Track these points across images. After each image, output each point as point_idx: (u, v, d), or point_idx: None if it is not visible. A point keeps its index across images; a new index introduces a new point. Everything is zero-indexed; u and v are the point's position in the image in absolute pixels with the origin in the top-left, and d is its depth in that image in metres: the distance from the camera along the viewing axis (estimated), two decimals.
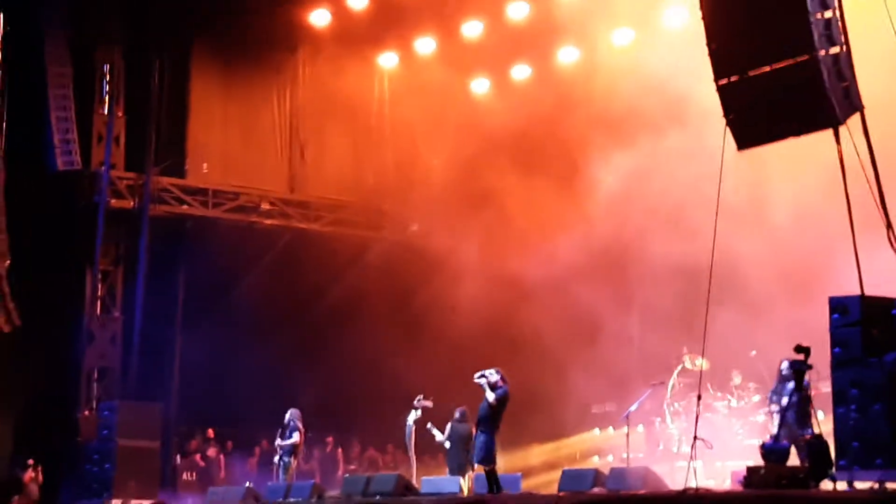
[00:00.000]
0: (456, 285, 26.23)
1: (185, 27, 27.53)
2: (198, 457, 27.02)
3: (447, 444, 19.95)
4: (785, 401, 17.30)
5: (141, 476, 24.11)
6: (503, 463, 24.19)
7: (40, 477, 24.38)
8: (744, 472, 15.36)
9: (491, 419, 18.03)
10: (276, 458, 22.63)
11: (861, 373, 14.56)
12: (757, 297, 21.35)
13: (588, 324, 23.79)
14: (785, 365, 17.63)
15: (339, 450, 27.76)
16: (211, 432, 27.62)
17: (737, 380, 22.10)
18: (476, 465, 18.46)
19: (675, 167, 21.86)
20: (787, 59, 15.04)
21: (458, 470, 19.60)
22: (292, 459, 22.49)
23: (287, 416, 22.73)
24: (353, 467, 27.25)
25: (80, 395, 26.06)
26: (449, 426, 20.03)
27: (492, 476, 18.05)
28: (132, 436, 24.33)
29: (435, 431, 19.97)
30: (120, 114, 27.04)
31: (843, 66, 14.97)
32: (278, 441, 22.63)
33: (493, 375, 18.06)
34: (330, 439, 27.86)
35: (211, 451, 27.14)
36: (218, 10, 27.14)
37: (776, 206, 21.03)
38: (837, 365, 14.82)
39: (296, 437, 22.45)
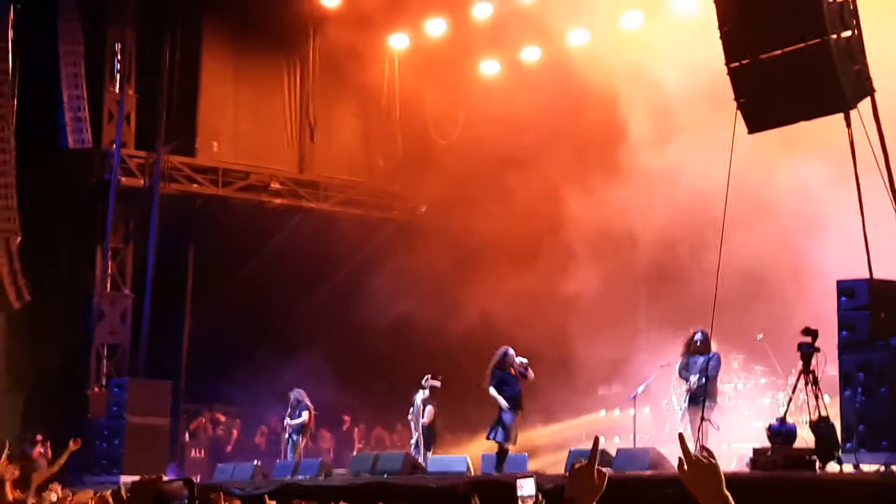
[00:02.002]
0: (463, 265, 26.35)
1: (196, 6, 27.60)
2: (208, 427, 27.17)
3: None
4: (693, 379, 17.45)
5: (150, 453, 24.25)
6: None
7: (49, 452, 24.51)
8: (750, 454, 15.49)
9: (521, 400, 18.93)
10: (286, 436, 22.78)
11: (868, 356, 14.66)
12: (766, 282, 21.44)
13: (595, 305, 23.86)
14: (699, 336, 17.69)
15: (356, 429, 27.89)
16: (221, 416, 27.77)
17: (735, 363, 22.19)
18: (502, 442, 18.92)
19: (688, 153, 21.91)
20: (798, 42, 15.09)
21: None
22: (301, 438, 22.63)
23: (292, 395, 22.86)
24: (360, 446, 27.39)
25: (89, 371, 26.17)
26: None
27: (505, 456, 18.58)
28: (142, 413, 24.45)
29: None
30: (131, 92, 27.09)
31: (855, 50, 15.02)
32: (287, 420, 22.77)
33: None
34: (347, 418, 28.00)
35: (220, 430, 27.30)
36: None
37: (782, 189, 21.06)
38: (844, 348, 14.92)
39: (305, 416, 22.60)
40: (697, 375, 17.46)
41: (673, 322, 21.78)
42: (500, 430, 19.03)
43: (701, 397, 17.17)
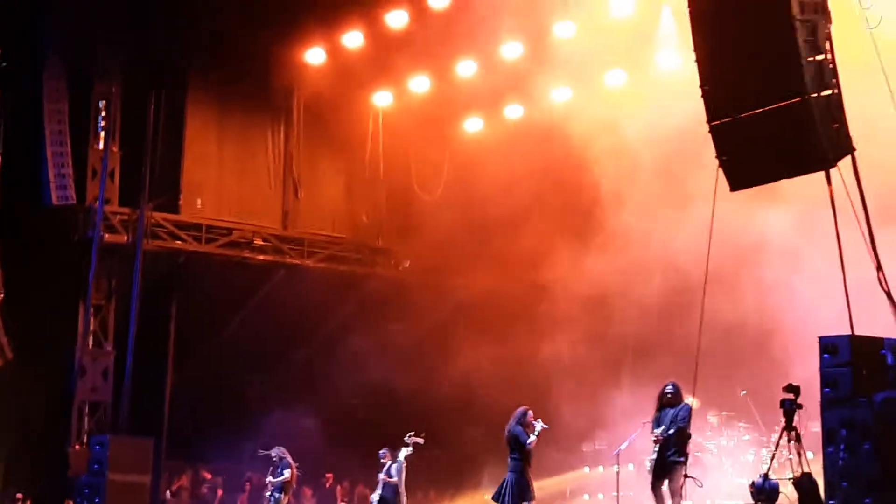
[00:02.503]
0: (450, 321, 26.40)
1: (181, 64, 27.69)
2: (191, 487, 27.03)
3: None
4: (658, 431, 17.42)
5: None
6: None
7: None
8: None
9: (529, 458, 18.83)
10: (268, 494, 22.66)
11: (851, 412, 14.66)
12: (746, 342, 21.51)
13: (578, 363, 23.90)
14: (669, 388, 17.66)
15: (339, 486, 27.75)
16: (207, 474, 27.62)
17: (713, 420, 22.19)
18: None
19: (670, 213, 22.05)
20: (778, 101, 15.18)
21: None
22: (283, 496, 22.52)
23: (274, 452, 22.78)
24: (343, 503, 27.26)
25: (71, 429, 26.04)
26: None
27: None
28: (123, 470, 24.32)
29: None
30: (115, 149, 27.11)
31: (835, 109, 15.13)
32: (269, 478, 22.68)
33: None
34: (329, 475, 27.87)
35: (204, 489, 27.14)
36: (214, 48, 27.30)
37: (763, 245, 21.19)
38: (827, 404, 14.92)
39: (287, 474, 22.51)
40: (665, 426, 17.39)
41: (656, 381, 21.83)
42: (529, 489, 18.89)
43: (671, 448, 17.12)
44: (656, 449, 17.47)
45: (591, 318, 24.24)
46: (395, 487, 21.84)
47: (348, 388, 27.60)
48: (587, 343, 24.23)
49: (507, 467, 19.06)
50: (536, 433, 18.88)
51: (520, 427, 18.88)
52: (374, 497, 21.81)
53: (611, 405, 23.50)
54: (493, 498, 19.34)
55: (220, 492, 27.25)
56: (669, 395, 17.70)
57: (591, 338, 24.27)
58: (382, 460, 21.96)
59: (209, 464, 27.83)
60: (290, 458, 22.66)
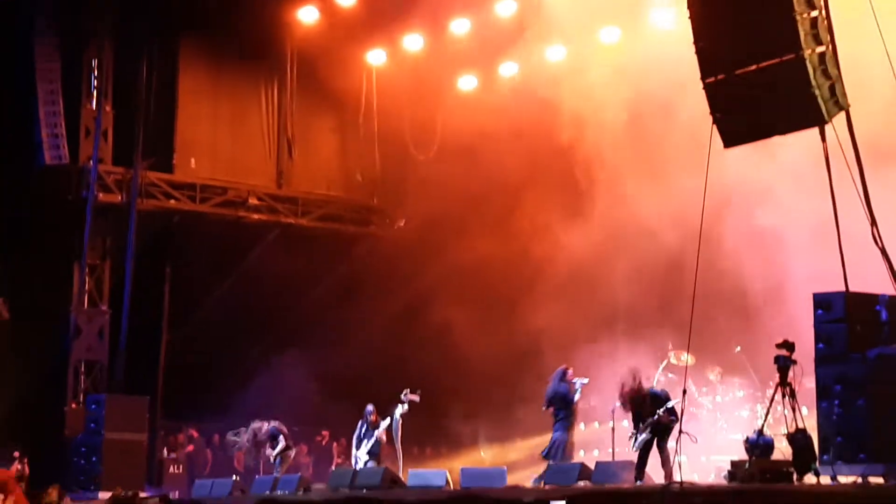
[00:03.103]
0: (445, 280, 26.41)
1: (173, 22, 27.57)
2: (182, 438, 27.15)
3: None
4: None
5: (127, 469, 24.17)
6: (489, 457, 24.44)
7: (27, 469, 24.40)
8: (728, 467, 15.55)
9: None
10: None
11: (844, 368, 14.75)
12: (742, 295, 21.55)
13: (576, 319, 23.94)
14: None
15: (335, 444, 27.86)
16: (194, 432, 27.69)
17: (713, 377, 22.27)
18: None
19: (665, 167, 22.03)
20: (773, 57, 15.16)
21: None
22: (281, 467, 22.55)
23: (265, 426, 22.80)
24: (339, 461, 27.35)
25: (67, 388, 26.12)
26: None
27: None
28: (119, 429, 24.44)
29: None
30: (108, 108, 27.03)
31: (829, 65, 15.11)
32: (269, 451, 22.71)
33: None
34: (325, 433, 27.97)
35: (190, 447, 27.24)
36: (207, 6, 27.19)
37: (761, 202, 21.18)
38: (821, 361, 15.01)
39: (282, 443, 22.58)
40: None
41: (651, 334, 21.93)
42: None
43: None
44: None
45: (586, 280, 24.25)
46: (380, 443, 21.78)
47: (343, 346, 27.62)
48: (581, 304, 24.25)
49: (553, 427, 19.24)
50: (579, 389, 19.14)
51: (564, 385, 19.06)
52: (362, 453, 21.71)
53: (604, 364, 23.58)
54: (543, 455, 19.56)
55: (208, 452, 27.24)
56: None
57: (584, 298, 24.28)
58: (370, 417, 21.94)
59: (204, 423, 27.88)
60: (283, 428, 22.76)
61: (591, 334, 23.76)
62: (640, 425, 17.31)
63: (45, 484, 20.61)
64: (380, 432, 21.56)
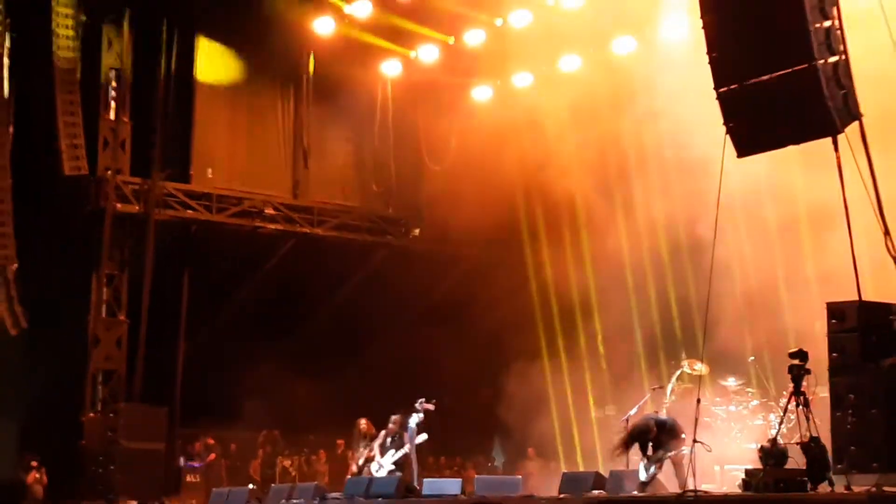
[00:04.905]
0: (459, 290, 26.49)
1: (191, 33, 27.77)
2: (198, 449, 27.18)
3: None
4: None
5: (145, 478, 24.28)
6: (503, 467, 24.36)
7: (44, 478, 24.56)
8: (742, 476, 15.55)
9: None
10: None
11: (858, 378, 14.74)
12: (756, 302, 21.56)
13: (589, 327, 24.02)
14: None
15: (350, 452, 27.91)
16: (211, 440, 27.76)
17: (731, 382, 22.26)
18: None
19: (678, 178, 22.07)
20: (786, 67, 15.18)
21: None
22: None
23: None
24: (355, 469, 27.37)
25: (85, 397, 26.25)
26: None
27: None
28: (137, 438, 24.56)
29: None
30: (126, 119, 27.24)
31: (842, 75, 15.14)
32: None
33: None
34: (340, 442, 28.04)
35: (211, 457, 27.29)
36: (224, 18, 27.38)
37: (775, 210, 21.21)
38: (835, 370, 15.00)
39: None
40: None
41: (666, 347, 21.96)
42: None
43: None
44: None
45: (603, 289, 24.31)
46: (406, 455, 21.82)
47: (359, 355, 27.71)
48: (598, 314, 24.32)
49: None
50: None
51: None
52: (386, 461, 21.70)
53: (621, 375, 23.64)
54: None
55: (213, 455, 27.28)
56: None
57: (600, 308, 24.35)
58: (391, 426, 21.95)
59: (222, 431, 27.97)
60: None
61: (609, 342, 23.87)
62: (649, 456, 17.41)
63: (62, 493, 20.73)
64: (410, 446, 21.53)
